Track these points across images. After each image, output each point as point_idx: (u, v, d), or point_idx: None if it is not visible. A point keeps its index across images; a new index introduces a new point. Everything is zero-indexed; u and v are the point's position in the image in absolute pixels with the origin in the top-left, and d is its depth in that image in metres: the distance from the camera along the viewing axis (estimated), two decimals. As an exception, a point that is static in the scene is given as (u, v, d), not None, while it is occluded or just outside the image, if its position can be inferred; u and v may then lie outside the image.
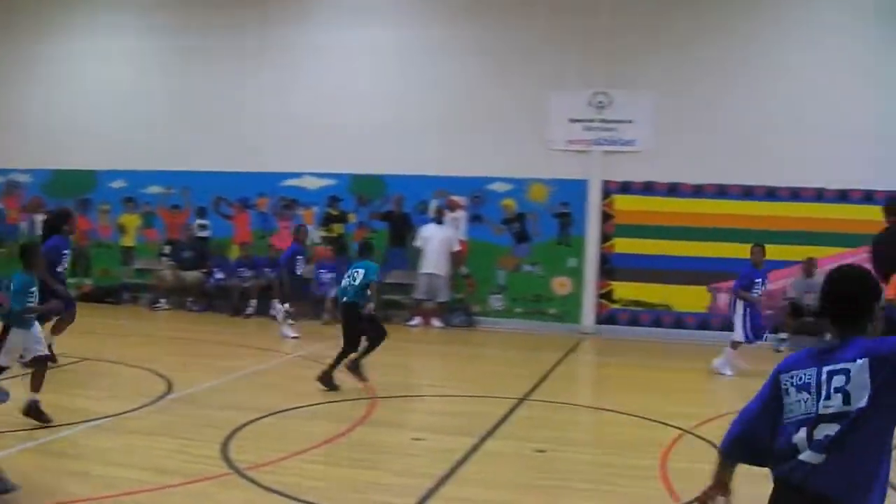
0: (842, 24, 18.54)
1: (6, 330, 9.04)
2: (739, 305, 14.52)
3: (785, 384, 4.28)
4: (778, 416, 4.28)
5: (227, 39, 20.54)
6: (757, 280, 14.49)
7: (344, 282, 12.21)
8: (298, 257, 17.09)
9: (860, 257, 17.66)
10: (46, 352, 9.46)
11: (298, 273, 17.10)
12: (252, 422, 9.64)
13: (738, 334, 14.39)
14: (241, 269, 19.93)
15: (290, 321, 16.74)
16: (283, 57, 20.42)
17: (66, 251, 12.36)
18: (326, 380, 11.60)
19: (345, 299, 12.03)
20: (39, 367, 9.19)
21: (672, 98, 18.75)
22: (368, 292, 11.98)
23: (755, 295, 14.47)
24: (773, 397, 4.36)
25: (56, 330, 12.17)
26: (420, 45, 20.02)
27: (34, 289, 9.16)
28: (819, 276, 17.86)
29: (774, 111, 18.53)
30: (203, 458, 8.17)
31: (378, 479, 7.92)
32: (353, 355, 11.87)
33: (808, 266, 17.97)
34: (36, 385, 9.12)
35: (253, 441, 8.93)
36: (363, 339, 11.99)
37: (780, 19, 18.97)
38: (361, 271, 12.01)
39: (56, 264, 12.00)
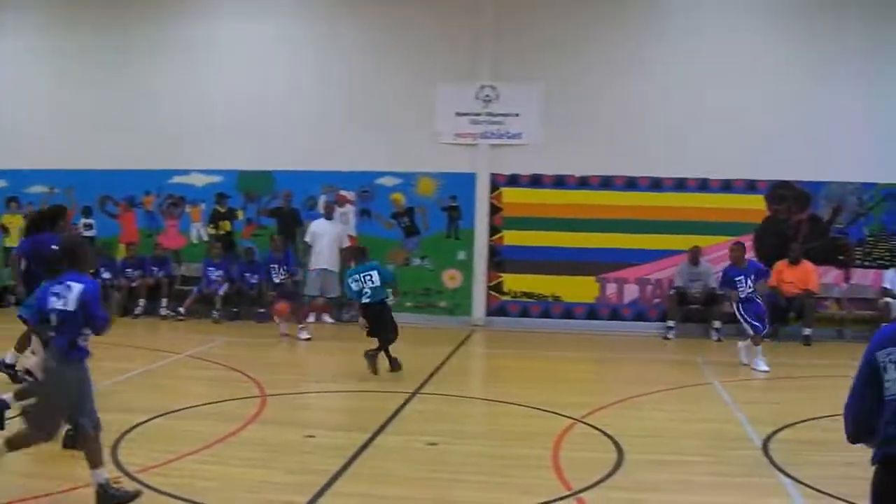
0: (725, 17, 18.95)
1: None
2: (734, 304, 14.70)
3: (882, 361, 4.29)
4: (880, 394, 4.28)
5: (111, 37, 20.10)
6: (738, 278, 14.57)
7: (355, 286, 13.11)
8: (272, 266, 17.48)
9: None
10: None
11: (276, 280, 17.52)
12: (142, 423, 9.49)
13: (747, 330, 14.53)
14: (129, 269, 19.59)
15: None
16: (168, 54, 20.04)
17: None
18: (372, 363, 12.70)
19: (369, 300, 13.01)
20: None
21: (558, 91, 18.94)
22: (389, 290, 13.31)
23: (743, 293, 14.52)
24: (871, 377, 4.36)
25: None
26: (306, 40, 19.89)
27: None
28: (704, 265, 18.23)
29: (658, 103, 18.84)
30: (92, 463, 8.02)
31: (271, 478, 7.87)
32: (371, 349, 12.81)
33: (694, 255, 18.30)
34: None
35: (143, 443, 8.80)
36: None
37: (666, 11, 19.31)
38: (375, 273, 13.11)
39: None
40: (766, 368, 14.19)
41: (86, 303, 6.92)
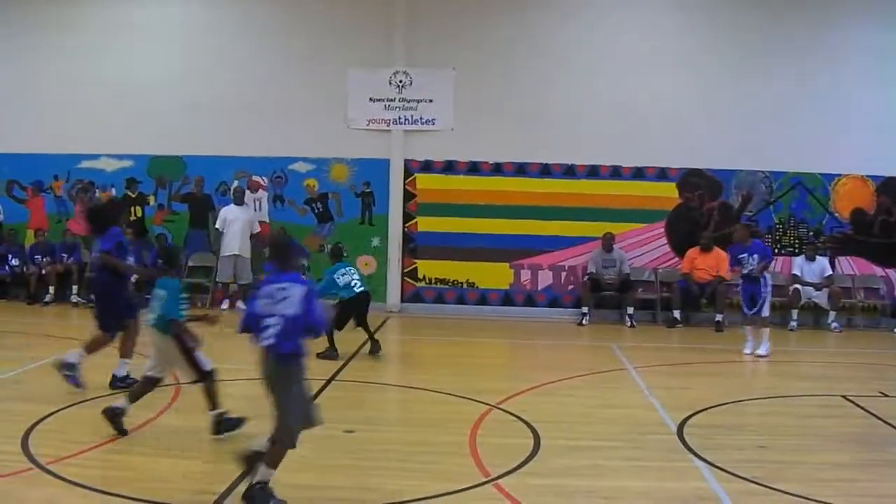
0: (638, 4, 19.12)
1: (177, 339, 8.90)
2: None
3: None
4: None
5: (18, 17, 19.69)
6: (742, 256, 14.82)
7: (343, 280, 13.70)
8: None
9: (656, 232, 18.42)
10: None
11: None
12: (53, 413, 9.31)
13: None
14: (37, 256, 19.21)
15: None
16: (79, 35, 19.63)
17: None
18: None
19: (361, 288, 13.86)
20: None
21: (471, 77, 19.02)
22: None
23: (746, 269, 14.77)
24: None
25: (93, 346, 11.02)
26: (218, 24, 19.67)
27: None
28: (617, 251, 18.37)
29: (570, 91, 19.01)
30: (2, 454, 7.81)
31: (187, 468, 7.76)
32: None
33: (607, 241, 18.44)
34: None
35: (55, 433, 8.62)
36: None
37: (584, 3, 19.42)
38: (353, 269, 14.10)
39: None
40: (761, 353, 14.67)
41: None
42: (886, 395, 11.90)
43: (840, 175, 19.16)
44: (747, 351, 14.80)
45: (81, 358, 10.67)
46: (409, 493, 7.18)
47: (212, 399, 8.93)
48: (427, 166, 19.32)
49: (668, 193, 19.13)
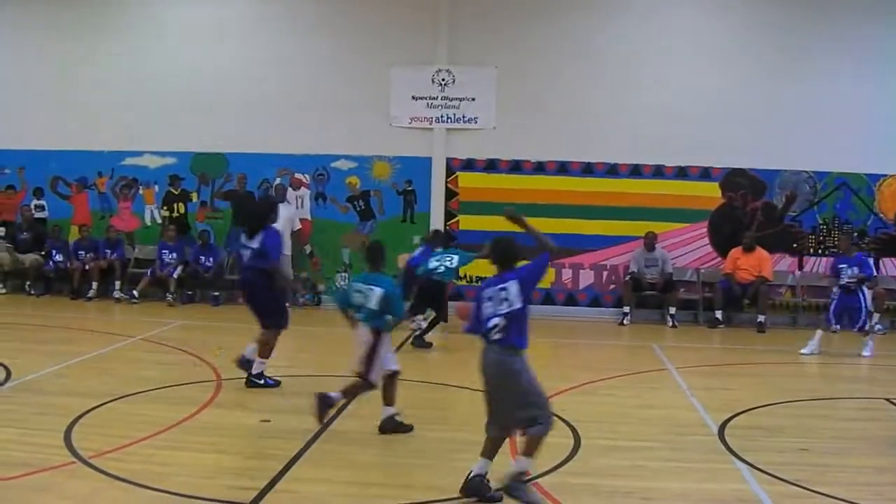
0: (680, 4, 19.06)
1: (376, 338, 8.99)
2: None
3: None
4: None
5: (64, 14, 19.89)
6: (842, 266, 15.26)
7: (434, 264, 14.31)
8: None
9: (698, 232, 18.33)
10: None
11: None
12: (95, 408, 9.42)
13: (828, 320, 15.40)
14: (81, 252, 19.38)
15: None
16: (123, 33, 19.80)
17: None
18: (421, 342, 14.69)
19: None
20: (392, 379, 9.20)
21: (513, 75, 18.99)
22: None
23: (843, 280, 15.19)
24: None
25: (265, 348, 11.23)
26: (262, 21, 19.75)
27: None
28: (659, 251, 18.31)
29: (615, 89, 18.94)
30: (46, 448, 7.91)
31: (227, 463, 7.83)
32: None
33: (649, 240, 18.38)
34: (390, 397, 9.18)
35: (97, 428, 8.72)
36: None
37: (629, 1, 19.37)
38: (454, 257, 14.60)
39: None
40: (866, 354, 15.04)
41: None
42: (931, 399, 11.79)
43: (885, 175, 18.97)
44: (805, 351, 14.92)
45: (262, 365, 11.02)
46: (449, 490, 7.19)
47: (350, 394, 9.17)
48: (469, 165, 19.30)
49: (711, 193, 19.02)
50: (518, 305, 7.19)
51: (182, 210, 19.77)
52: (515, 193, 18.90)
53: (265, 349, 11.01)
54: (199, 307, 18.53)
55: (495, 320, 7.22)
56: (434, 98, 19.28)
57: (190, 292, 18.98)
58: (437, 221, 19.16)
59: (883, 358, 15.46)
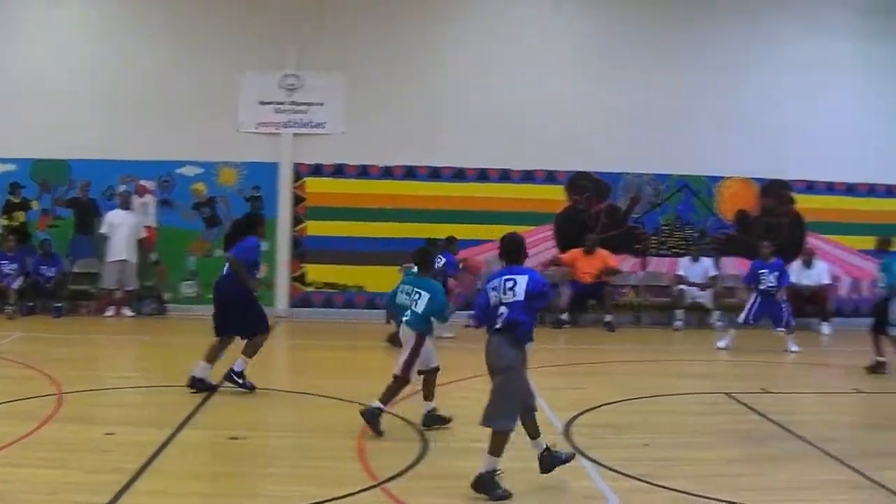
0: (526, 11, 19.33)
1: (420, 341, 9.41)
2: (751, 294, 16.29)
3: None
4: None
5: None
6: (762, 271, 15.90)
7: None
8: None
9: (544, 234, 18.58)
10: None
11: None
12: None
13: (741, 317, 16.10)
14: None
15: None
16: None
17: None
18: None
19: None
20: (432, 375, 9.69)
21: (363, 80, 19.01)
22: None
23: (763, 285, 15.82)
24: None
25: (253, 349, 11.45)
26: (106, 24, 19.29)
27: None
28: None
29: (464, 94, 19.09)
30: None
31: (69, 478, 7.60)
32: None
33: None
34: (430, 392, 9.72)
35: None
36: None
37: (465, 4, 19.52)
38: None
39: (256, 266, 11.75)
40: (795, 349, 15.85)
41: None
42: (768, 392, 12.20)
43: (725, 177, 19.57)
44: (721, 345, 15.92)
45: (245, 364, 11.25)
46: (297, 499, 7.13)
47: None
48: (317, 170, 19.23)
49: (557, 196, 19.32)
50: (521, 298, 7.51)
51: (22, 219, 19.16)
52: (363, 198, 18.94)
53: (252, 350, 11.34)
54: (40, 319, 18.00)
55: (502, 309, 7.57)
56: (282, 103, 19.16)
57: (31, 303, 18.44)
58: (284, 227, 19.04)
59: (724, 354, 15.90)
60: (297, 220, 19.22)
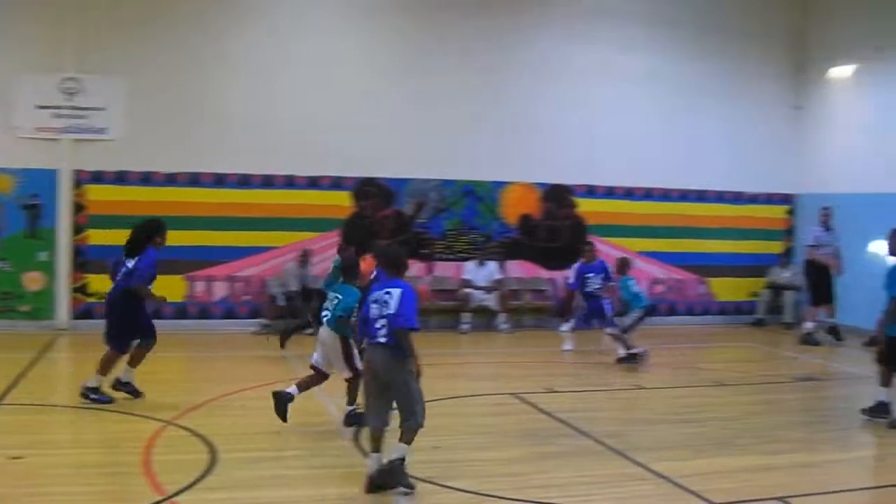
0: (306, 19, 19.28)
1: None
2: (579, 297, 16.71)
3: None
4: None
5: None
6: (589, 275, 15.96)
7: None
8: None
9: (330, 241, 18.59)
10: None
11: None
12: None
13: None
14: None
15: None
16: None
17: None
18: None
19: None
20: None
21: (146, 85, 18.50)
22: None
23: (589, 288, 15.95)
24: None
25: (137, 360, 11.85)
26: None
27: None
28: (315, 265, 18.42)
29: (250, 98, 18.93)
30: None
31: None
32: None
33: (304, 256, 18.52)
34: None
35: None
36: None
37: (249, 12, 19.29)
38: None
39: (154, 279, 11.87)
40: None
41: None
42: (553, 391, 12.56)
43: (508, 182, 20.02)
44: (566, 347, 16.42)
45: (100, 381, 11.37)
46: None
47: (352, 395, 10.16)
48: (98, 177, 18.70)
49: (343, 202, 19.37)
50: (392, 312, 7.94)
51: None
52: (146, 206, 18.41)
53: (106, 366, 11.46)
54: None
55: (381, 321, 7.99)
56: (61, 107, 18.55)
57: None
58: (63, 236, 18.45)
59: (510, 355, 16.27)
60: (78, 229, 18.65)
